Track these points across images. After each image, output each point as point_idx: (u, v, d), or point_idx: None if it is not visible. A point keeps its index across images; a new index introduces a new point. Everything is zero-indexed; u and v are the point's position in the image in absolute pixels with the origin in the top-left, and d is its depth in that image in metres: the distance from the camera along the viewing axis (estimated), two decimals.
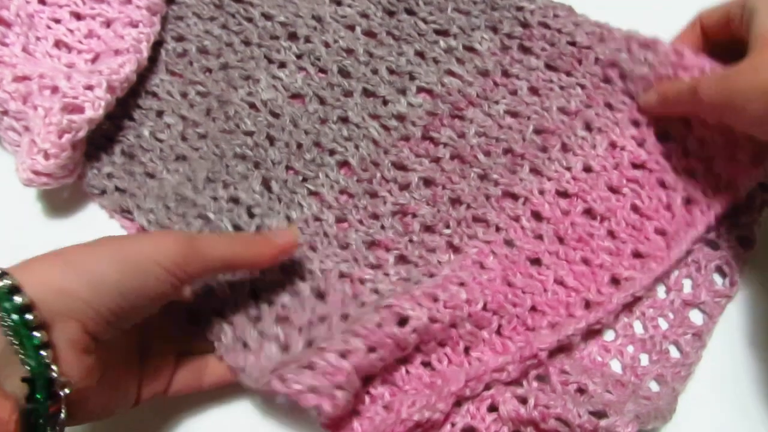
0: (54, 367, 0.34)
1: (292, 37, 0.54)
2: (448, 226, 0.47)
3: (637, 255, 0.46)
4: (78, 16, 0.53)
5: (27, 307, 0.33)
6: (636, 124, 0.49)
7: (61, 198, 0.52)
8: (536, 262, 0.46)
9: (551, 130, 0.49)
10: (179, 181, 0.50)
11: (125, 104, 0.53)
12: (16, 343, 0.33)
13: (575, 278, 0.45)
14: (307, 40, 0.53)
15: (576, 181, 0.48)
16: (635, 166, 0.48)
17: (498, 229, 0.47)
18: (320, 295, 0.46)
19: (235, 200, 0.49)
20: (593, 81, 0.50)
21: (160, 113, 0.53)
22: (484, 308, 0.44)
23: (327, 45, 0.53)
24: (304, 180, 0.49)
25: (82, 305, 0.35)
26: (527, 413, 0.40)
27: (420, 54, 0.52)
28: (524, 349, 0.42)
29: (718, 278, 0.46)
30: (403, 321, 0.42)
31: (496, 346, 0.44)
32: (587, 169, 0.48)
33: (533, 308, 0.45)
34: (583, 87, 0.50)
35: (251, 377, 0.42)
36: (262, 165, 0.50)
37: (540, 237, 0.47)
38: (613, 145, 0.49)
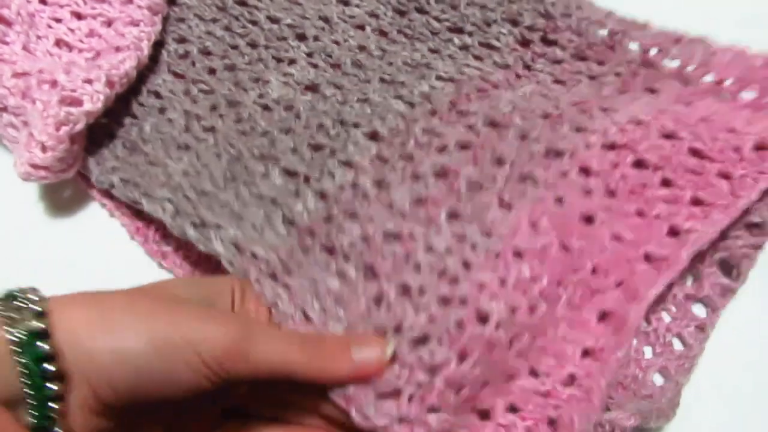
0: (59, 423, 0.32)
1: (301, 37, 0.54)
2: (495, 181, 0.43)
3: (697, 202, 0.42)
4: (79, 16, 0.53)
5: (50, 357, 0.31)
6: (687, 104, 0.45)
7: (62, 197, 0.52)
8: (589, 219, 0.42)
9: (586, 101, 0.46)
10: (185, 170, 0.48)
11: (127, 103, 0.53)
12: (28, 390, 0.31)
13: (632, 232, 0.42)
14: (317, 39, 0.53)
15: (623, 132, 0.44)
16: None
17: (547, 185, 0.43)
18: (369, 270, 0.41)
19: (258, 197, 0.45)
20: (631, 67, 0.48)
21: (162, 110, 0.52)
22: (549, 282, 0.40)
23: (337, 43, 0.53)
24: (333, 153, 0.46)
25: (98, 373, 0.32)
26: None
27: (435, 51, 0.52)
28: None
29: (722, 271, 0.45)
30: (483, 318, 0.38)
31: (574, 322, 0.40)
32: (635, 121, 0.44)
33: (594, 270, 0.41)
34: (618, 74, 0.48)
35: None
36: (281, 158, 0.46)
37: (590, 192, 0.43)
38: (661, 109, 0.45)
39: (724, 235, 0.44)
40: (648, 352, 0.44)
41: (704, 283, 0.45)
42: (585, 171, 0.43)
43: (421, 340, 0.37)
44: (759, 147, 0.42)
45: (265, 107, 0.50)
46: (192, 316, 0.34)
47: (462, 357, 0.37)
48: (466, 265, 0.40)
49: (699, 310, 0.45)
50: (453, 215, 0.42)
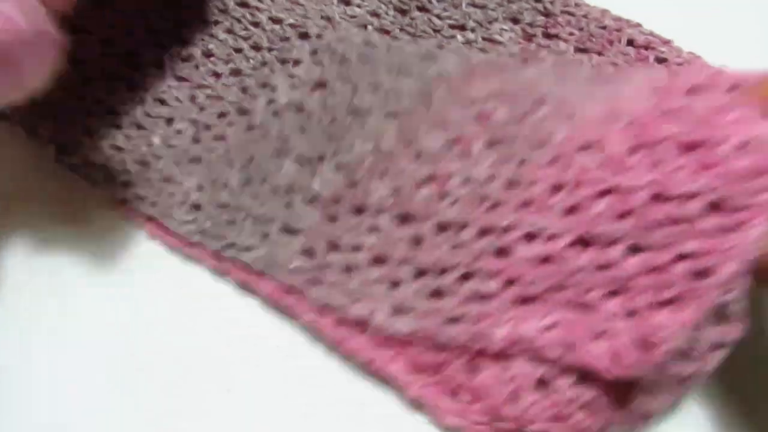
0: None
1: (304, 36, 0.54)
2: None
3: None
4: None
5: None
6: None
7: None
8: None
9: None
10: (199, 184, 0.49)
11: (133, 114, 0.53)
12: None
13: None
14: (320, 37, 0.53)
15: None
16: None
17: None
18: (403, 218, 0.41)
19: (274, 190, 0.47)
20: (626, 59, 0.50)
21: (169, 120, 0.52)
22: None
23: (341, 40, 0.52)
24: (349, 129, 0.46)
25: None
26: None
27: (438, 47, 0.52)
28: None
29: None
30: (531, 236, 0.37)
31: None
32: None
33: None
34: (614, 65, 0.50)
35: None
36: (294, 149, 0.48)
37: None
38: None
39: None
40: None
41: None
42: None
43: (466, 277, 0.38)
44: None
45: (275, 113, 0.51)
46: None
47: (510, 282, 0.37)
48: (512, 184, 0.38)
49: None
50: (493, 142, 0.40)
